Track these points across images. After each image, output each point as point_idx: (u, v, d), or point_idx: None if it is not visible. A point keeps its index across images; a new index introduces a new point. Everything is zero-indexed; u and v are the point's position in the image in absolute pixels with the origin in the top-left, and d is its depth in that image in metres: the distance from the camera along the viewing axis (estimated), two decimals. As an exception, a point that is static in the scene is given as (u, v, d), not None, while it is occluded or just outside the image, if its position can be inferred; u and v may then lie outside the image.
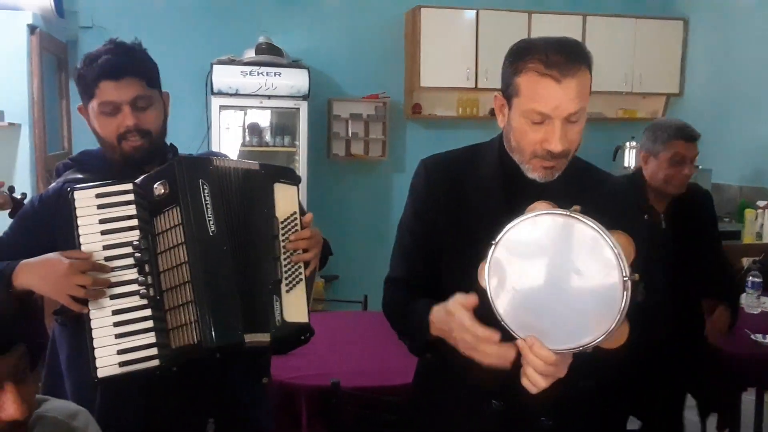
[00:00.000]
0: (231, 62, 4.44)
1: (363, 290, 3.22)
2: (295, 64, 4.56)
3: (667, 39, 5.35)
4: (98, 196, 1.34)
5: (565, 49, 1.24)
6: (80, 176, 1.48)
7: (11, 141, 3.63)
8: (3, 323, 1.03)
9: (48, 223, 1.43)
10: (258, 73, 4.37)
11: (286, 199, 1.46)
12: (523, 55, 1.26)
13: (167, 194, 1.34)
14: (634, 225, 1.20)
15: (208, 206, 1.35)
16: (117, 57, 1.42)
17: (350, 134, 5.08)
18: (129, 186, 1.36)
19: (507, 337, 1.13)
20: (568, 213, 1.09)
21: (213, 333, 1.29)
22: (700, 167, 3.54)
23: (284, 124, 4.79)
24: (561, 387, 1.13)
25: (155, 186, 1.35)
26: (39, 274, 1.30)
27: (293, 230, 1.45)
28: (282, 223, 1.44)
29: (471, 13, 4.96)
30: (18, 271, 1.32)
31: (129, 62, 1.43)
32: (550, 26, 4.86)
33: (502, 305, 1.13)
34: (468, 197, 1.38)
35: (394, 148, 5.19)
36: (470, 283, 1.17)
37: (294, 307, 1.41)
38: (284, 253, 1.43)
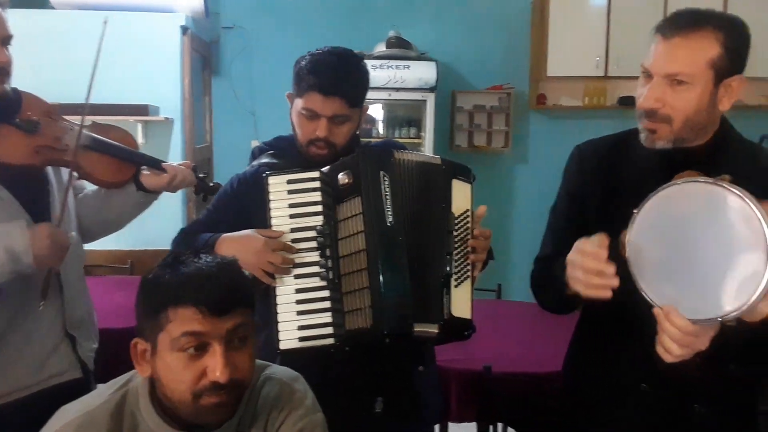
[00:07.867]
0: (361, 57, 4.55)
1: (486, 280, 3.23)
2: (423, 57, 4.63)
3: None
4: (289, 182, 1.44)
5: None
6: (274, 161, 1.60)
7: (165, 134, 3.94)
8: (224, 286, 1.08)
9: (244, 202, 1.56)
10: (387, 67, 4.46)
11: (462, 196, 1.49)
12: None
13: (350, 184, 1.43)
14: None
15: (387, 197, 1.40)
16: (334, 74, 1.50)
17: (473, 126, 5.09)
18: (316, 174, 1.45)
19: (646, 306, 1.13)
20: (714, 181, 1.07)
21: (384, 320, 1.34)
22: None
23: (408, 117, 4.87)
24: (711, 371, 1.11)
25: (340, 176, 1.44)
26: (237, 247, 1.41)
27: (465, 227, 1.47)
28: (456, 219, 1.46)
29: (602, -1, 4.80)
30: (220, 243, 1.46)
31: (341, 83, 1.50)
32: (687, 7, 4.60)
33: (640, 273, 1.12)
34: (622, 175, 1.39)
35: (517, 139, 5.14)
36: (617, 257, 1.16)
37: (461, 302, 1.44)
38: (456, 249, 1.45)
